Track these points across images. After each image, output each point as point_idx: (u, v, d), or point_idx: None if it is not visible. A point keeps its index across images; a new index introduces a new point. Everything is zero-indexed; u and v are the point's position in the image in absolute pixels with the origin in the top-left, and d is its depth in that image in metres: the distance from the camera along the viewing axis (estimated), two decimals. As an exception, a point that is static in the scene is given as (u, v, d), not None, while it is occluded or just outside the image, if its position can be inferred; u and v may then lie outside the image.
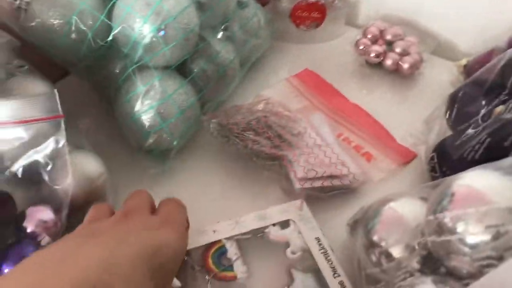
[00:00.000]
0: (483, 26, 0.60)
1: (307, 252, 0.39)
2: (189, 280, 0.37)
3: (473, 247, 0.29)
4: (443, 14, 0.64)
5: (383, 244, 0.35)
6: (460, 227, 0.30)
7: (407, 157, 0.51)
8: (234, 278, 0.37)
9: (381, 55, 0.61)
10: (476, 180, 0.31)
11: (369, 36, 0.63)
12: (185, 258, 0.38)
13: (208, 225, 0.41)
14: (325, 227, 0.43)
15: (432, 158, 0.45)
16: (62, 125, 0.39)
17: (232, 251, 0.39)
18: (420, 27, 0.66)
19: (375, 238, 0.36)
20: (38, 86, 0.43)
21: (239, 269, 0.38)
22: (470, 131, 0.42)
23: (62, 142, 0.39)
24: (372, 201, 0.40)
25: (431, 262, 0.33)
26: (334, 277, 0.37)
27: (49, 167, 0.39)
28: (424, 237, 0.33)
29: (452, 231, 0.30)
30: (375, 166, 0.50)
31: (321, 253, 0.39)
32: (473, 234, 0.29)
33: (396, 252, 0.35)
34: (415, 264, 0.33)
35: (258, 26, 0.61)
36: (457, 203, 0.30)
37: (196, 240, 0.39)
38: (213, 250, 0.39)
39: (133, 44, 0.46)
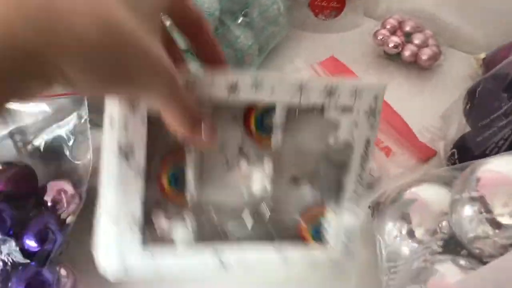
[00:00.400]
0: (503, 18, 0.60)
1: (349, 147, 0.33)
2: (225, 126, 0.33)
3: (498, 228, 0.29)
4: (462, 6, 0.64)
5: (405, 226, 0.36)
6: (485, 208, 0.30)
7: (427, 154, 0.51)
8: (268, 146, 0.33)
9: (399, 46, 0.61)
10: (502, 165, 0.32)
11: (388, 27, 0.63)
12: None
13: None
14: None
15: (452, 155, 0.44)
16: (85, 101, 0.39)
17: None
18: (438, 19, 0.65)
19: (397, 221, 0.37)
20: None
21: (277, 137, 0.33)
22: (492, 127, 0.41)
23: (85, 117, 0.39)
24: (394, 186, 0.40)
25: (453, 245, 0.33)
26: None
27: (70, 142, 0.39)
28: (447, 217, 0.34)
29: (478, 211, 0.30)
30: (393, 161, 0.50)
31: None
32: (499, 215, 0.29)
33: (419, 233, 0.35)
34: (436, 247, 0.34)
35: (277, 13, 0.61)
36: (484, 185, 0.31)
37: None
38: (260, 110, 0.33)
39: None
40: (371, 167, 0.47)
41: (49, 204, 0.39)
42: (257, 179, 0.34)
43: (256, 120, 0.33)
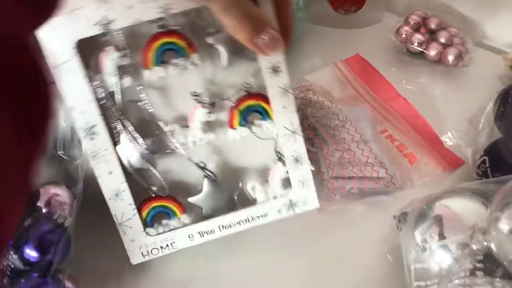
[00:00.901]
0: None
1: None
2: None
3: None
4: (489, 2, 0.61)
5: (434, 241, 0.34)
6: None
7: (454, 163, 0.47)
8: None
9: (424, 44, 0.58)
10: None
11: (411, 23, 0.60)
12: None
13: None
14: (374, 216, 0.43)
15: (483, 162, 0.42)
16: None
17: None
18: (464, 16, 0.62)
19: (427, 234, 0.35)
20: None
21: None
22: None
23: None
24: (421, 196, 0.38)
25: (488, 264, 0.31)
26: None
27: (63, 142, 0.37)
28: (484, 235, 0.32)
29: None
30: (418, 169, 0.47)
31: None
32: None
33: (450, 249, 0.33)
34: (469, 264, 0.31)
35: (296, 7, 0.58)
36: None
37: None
38: None
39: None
40: (393, 175, 0.44)
41: (43, 210, 0.37)
42: None
43: None
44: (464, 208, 0.35)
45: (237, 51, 0.35)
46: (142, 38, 0.34)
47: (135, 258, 0.38)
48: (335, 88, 0.56)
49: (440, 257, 0.34)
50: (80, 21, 0.31)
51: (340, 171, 0.43)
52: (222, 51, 0.35)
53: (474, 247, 0.33)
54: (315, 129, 0.46)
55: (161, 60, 0.34)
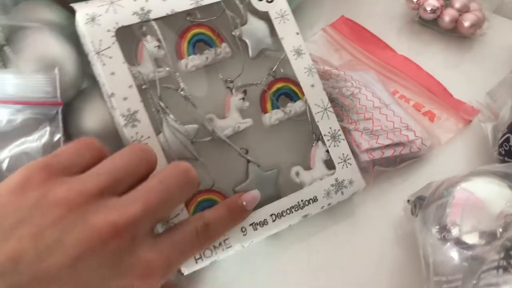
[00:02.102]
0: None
1: None
2: None
3: None
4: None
5: (455, 229, 0.31)
6: None
7: (471, 114, 0.46)
8: None
9: (438, 11, 0.53)
10: None
11: (424, -12, 0.55)
12: None
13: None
14: (385, 199, 0.41)
15: (506, 140, 0.38)
16: (60, 115, 0.32)
17: None
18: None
19: (446, 222, 0.31)
20: (53, 14, 0.37)
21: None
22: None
23: (58, 136, 0.32)
24: (436, 176, 0.35)
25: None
26: None
27: None
28: (508, 219, 0.29)
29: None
30: (440, 126, 0.45)
31: None
32: None
33: (472, 240, 0.30)
34: (495, 256, 0.28)
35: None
36: None
37: None
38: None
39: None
40: (422, 136, 0.42)
41: None
42: None
43: None
44: (489, 193, 0.32)
45: (261, 42, 0.38)
46: (176, 30, 0.36)
47: (187, 266, 0.33)
48: (332, 56, 0.52)
49: (462, 248, 0.30)
50: (119, 10, 0.34)
51: (375, 140, 0.40)
52: (248, 42, 0.38)
53: (500, 237, 0.29)
54: (335, 100, 0.42)
55: (194, 51, 0.36)
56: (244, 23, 0.38)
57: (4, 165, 0.30)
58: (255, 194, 0.34)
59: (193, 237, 0.27)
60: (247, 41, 0.38)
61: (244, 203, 0.33)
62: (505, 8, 0.56)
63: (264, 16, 0.39)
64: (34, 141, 0.31)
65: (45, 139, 0.31)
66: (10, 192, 0.22)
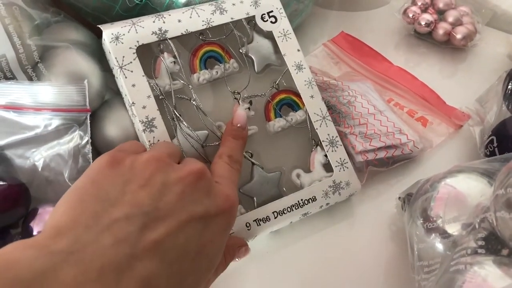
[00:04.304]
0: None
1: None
2: None
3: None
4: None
5: (439, 221, 0.34)
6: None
7: (461, 119, 0.49)
8: None
9: (432, 25, 0.57)
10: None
11: (419, 4, 0.59)
12: None
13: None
14: (381, 199, 0.44)
15: (491, 142, 0.41)
16: (88, 120, 0.36)
17: None
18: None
19: (430, 214, 0.34)
20: (80, 34, 0.41)
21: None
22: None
23: (86, 138, 0.36)
24: (426, 176, 0.38)
25: (492, 243, 0.30)
26: None
27: (70, 163, 0.35)
28: (487, 214, 0.31)
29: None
30: (432, 130, 0.48)
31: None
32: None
33: (453, 229, 0.33)
34: (473, 244, 0.31)
35: (301, -10, 0.57)
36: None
37: None
38: None
39: (168, 3, 0.43)
40: (414, 139, 0.45)
41: (34, 232, 0.33)
42: None
43: None
44: (469, 187, 0.35)
45: (266, 58, 0.42)
46: (189, 48, 0.41)
47: None
48: (331, 68, 0.56)
49: (443, 237, 0.33)
50: (140, 30, 0.38)
51: (368, 143, 0.44)
52: (254, 58, 0.42)
53: (478, 226, 0.32)
54: (333, 107, 0.46)
55: (205, 66, 0.41)
56: (250, 41, 0.42)
57: (40, 165, 0.35)
58: (240, 112, 0.38)
59: (230, 169, 0.33)
60: (253, 57, 0.42)
61: (239, 124, 0.37)
62: (498, 20, 0.60)
63: (269, 35, 0.43)
64: (66, 143, 0.35)
65: (75, 141, 0.35)
66: (104, 168, 0.26)
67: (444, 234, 0.33)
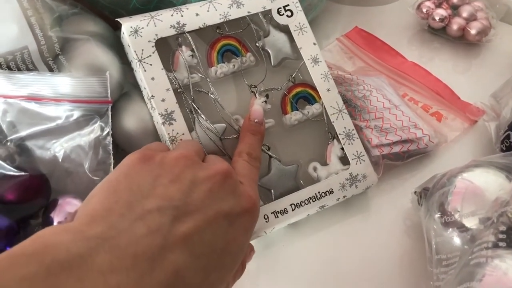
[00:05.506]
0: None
1: None
2: None
3: None
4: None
5: (456, 215, 0.34)
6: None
7: (476, 114, 0.49)
8: None
9: (446, 20, 0.57)
10: None
11: (433, -1, 0.58)
12: None
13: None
14: (395, 193, 0.44)
15: (507, 137, 0.41)
16: (109, 112, 0.37)
17: None
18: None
19: (448, 208, 0.35)
20: (98, 26, 0.42)
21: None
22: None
23: (107, 130, 0.36)
24: (443, 170, 0.38)
25: (511, 236, 0.30)
26: None
27: (90, 154, 0.36)
28: (507, 207, 0.31)
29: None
30: (447, 125, 0.48)
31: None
32: None
33: (471, 223, 0.33)
34: (492, 238, 0.31)
35: (315, -16, 0.57)
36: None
37: None
38: None
39: (186, -4, 0.43)
40: (429, 134, 0.45)
41: (54, 223, 0.34)
42: None
43: None
44: (486, 181, 0.35)
45: (282, 52, 0.43)
46: (207, 41, 0.41)
47: None
48: (345, 63, 0.56)
49: (461, 231, 0.33)
50: (159, 24, 0.38)
51: (384, 136, 0.44)
52: (270, 52, 0.42)
53: (496, 220, 0.32)
54: (348, 101, 0.46)
55: (222, 60, 0.41)
56: (267, 35, 0.42)
57: (60, 156, 0.35)
58: (256, 108, 0.38)
59: (250, 168, 0.33)
60: (269, 51, 0.42)
61: (256, 120, 0.37)
62: (510, 16, 0.59)
63: (285, 29, 0.43)
64: (87, 134, 0.35)
65: (95, 133, 0.36)
66: (135, 163, 0.27)
67: (461, 228, 0.33)
